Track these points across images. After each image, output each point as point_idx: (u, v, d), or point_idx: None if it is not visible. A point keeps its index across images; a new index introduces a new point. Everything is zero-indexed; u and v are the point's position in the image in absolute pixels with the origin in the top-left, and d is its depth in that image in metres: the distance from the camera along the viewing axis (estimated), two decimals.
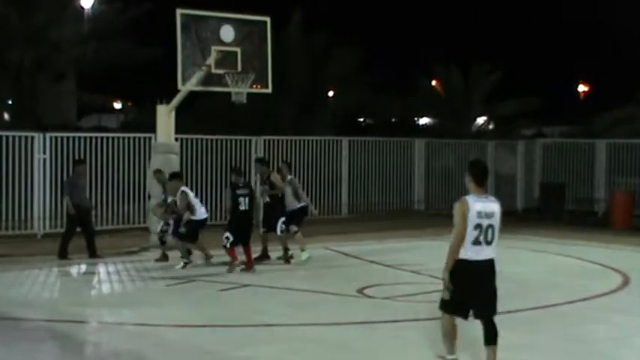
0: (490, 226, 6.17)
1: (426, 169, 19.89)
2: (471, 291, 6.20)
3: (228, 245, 11.12)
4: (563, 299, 9.49)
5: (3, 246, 13.38)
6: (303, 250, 11.96)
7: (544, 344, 7.57)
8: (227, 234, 11.11)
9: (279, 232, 11.85)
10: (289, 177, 12.32)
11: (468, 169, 6.38)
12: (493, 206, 6.25)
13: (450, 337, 6.40)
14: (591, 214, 19.07)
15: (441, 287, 6.32)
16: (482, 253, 6.18)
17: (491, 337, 6.27)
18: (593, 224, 17.74)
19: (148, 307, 9.09)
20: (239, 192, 11.29)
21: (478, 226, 6.13)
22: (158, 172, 12.44)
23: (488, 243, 6.19)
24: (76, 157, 13.99)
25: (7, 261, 12.06)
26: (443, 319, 6.41)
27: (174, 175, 11.87)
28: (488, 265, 6.25)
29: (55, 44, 20.11)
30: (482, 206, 6.18)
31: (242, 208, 11.19)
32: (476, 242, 6.14)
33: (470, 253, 6.16)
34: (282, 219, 11.81)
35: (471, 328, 6.58)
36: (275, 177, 12.03)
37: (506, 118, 25.99)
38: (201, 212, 11.56)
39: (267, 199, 12.01)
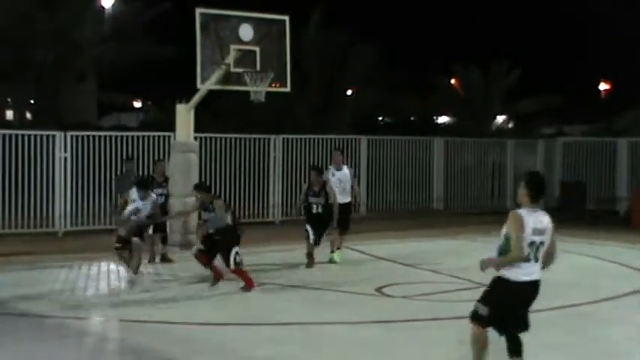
0: (542, 243, 5.94)
1: (445, 168, 19.80)
2: (514, 312, 6.02)
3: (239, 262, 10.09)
4: (586, 299, 9.40)
5: (25, 244, 13.52)
6: (338, 249, 12.04)
7: (567, 344, 7.51)
8: (237, 249, 9.96)
9: (320, 243, 11.71)
10: (346, 168, 12.23)
11: (525, 182, 6.00)
12: (545, 221, 6.01)
13: (481, 347, 6.03)
14: (613, 214, 18.86)
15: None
16: (533, 274, 5.95)
17: (518, 349, 6.10)
18: (614, 224, 17.56)
19: (170, 305, 9.13)
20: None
21: (532, 244, 5.89)
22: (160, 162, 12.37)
23: (537, 260, 5.96)
24: (125, 156, 14.08)
25: (28, 259, 12.18)
26: (474, 329, 6.04)
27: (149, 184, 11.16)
28: (537, 288, 6.01)
29: (77, 44, 20.30)
30: (535, 222, 5.94)
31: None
32: (527, 259, 5.90)
33: (520, 274, 5.88)
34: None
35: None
36: (330, 188, 11.71)
37: (527, 116, 25.79)
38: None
39: (319, 210, 11.54)
